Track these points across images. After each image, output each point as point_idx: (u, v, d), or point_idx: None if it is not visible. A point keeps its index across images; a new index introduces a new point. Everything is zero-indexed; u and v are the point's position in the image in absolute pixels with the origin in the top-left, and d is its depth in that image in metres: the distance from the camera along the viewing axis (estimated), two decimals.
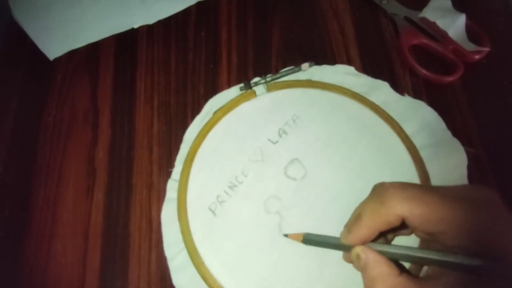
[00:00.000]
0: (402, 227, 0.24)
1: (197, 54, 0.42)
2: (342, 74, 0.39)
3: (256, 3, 0.44)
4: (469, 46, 0.39)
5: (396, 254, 0.24)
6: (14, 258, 0.34)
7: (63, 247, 0.34)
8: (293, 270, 0.31)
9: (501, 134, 0.36)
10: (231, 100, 0.38)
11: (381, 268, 0.23)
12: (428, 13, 0.40)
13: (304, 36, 0.42)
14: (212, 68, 0.41)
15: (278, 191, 0.34)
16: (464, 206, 0.22)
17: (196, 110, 0.38)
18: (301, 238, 0.29)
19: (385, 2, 0.42)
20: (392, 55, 0.40)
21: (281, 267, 0.31)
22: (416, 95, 0.38)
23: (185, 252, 0.32)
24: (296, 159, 0.35)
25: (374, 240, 0.25)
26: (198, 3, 0.44)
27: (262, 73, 0.39)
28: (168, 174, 0.36)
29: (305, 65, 0.39)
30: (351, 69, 0.39)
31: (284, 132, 0.36)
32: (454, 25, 0.39)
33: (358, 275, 0.25)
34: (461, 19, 0.39)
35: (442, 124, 0.36)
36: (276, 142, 0.36)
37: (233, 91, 0.38)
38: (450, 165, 0.34)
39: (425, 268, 0.28)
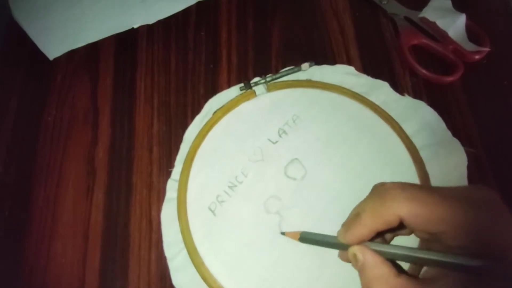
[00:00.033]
0: (400, 227, 0.24)
1: (197, 54, 0.42)
2: (342, 74, 0.39)
3: (256, 3, 0.44)
4: (469, 46, 0.39)
5: (394, 254, 0.24)
6: (14, 258, 0.34)
7: (63, 247, 0.34)
8: (293, 270, 0.31)
9: (501, 134, 0.36)
10: (231, 100, 0.38)
11: (380, 269, 0.23)
12: (428, 13, 0.40)
13: (304, 36, 0.42)
14: (212, 68, 0.41)
15: (278, 191, 0.34)
16: (464, 206, 0.22)
17: (196, 110, 0.38)
18: (298, 236, 0.29)
19: (385, 2, 0.42)
20: (392, 55, 0.40)
21: (281, 267, 0.31)
22: (416, 95, 0.38)
23: (185, 252, 0.32)
24: (296, 159, 0.35)
25: (372, 240, 0.25)
26: (198, 3, 0.44)
27: (262, 73, 0.39)
28: (168, 174, 0.36)
29: (305, 65, 0.39)
30: (351, 69, 0.39)
31: (284, 132, 0.36)
32: (454, 25, 0.39)
33: (358, 275, 0.25)
34: (461, 19, 0.39)
35: (442, 124, 0.36)
36: (276, 142, 0.36)
37: (233, 91, 0.38)
38: (450, 165, 0.34)
39: (425, 268, 0.28)
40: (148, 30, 0.43)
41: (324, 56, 0.40)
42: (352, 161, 0.34)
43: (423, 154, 0.34)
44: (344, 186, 0.33)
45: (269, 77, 0.38)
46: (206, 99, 0.38)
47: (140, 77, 0.41)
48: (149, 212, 0.35)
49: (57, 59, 0.42)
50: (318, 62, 0.39)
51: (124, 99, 0.40)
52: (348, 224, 0.25)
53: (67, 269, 0.33)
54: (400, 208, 0.22)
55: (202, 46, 0.42)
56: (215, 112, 0.37)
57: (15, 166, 0.38)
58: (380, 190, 0.24)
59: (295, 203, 0.33)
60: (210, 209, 0.33)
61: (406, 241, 0.28)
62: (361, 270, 0.24)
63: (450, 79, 0.38)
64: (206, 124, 0.37)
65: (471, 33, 0.40)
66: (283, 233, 0.31)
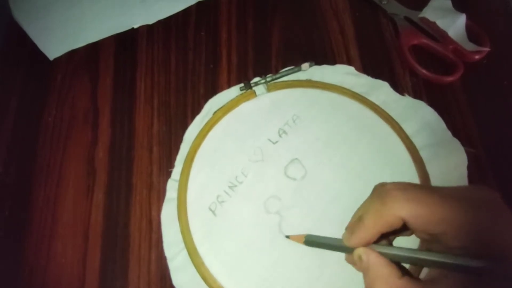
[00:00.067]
0: (403, 228, 0.24)
1: (197, 54, 0.42)
2: (342, 74, 0.39)
3: (256, 3, 0.44)
4: (469, 46, 0.39)
5: (398, 256, 0.24)
6: (14, 258, 0.34)
7: (63, 247, 0.34)
8: (293, 270, 0.31)
9: (501, 134, 0.36)
10: (231, 100, 0.38)
11: (383, 270, 0.23)
12: (428, 13, 0.40)
13: (304, 36, 0.42)
14: (212, 68, 0.41)
15: (278, 191, 0.34)
16: (464, 206, 0.22)
17: (196, 110, 0.38)
18: (303, 240, 0.29)
19: (385, 2, 0.42)
20: (392, 55, 0.40)
21: (281, 267, 0.31)
22: (416, 95, 0.38)
23: (185, 252, 0.32)
24: (296, 159, 0.35)
25: (376, 242, 0.25)
26: (198, 3, 0.44)
27: (262, 73, 0.39)
28: (168, 174, 0.36)
29: (305, 65, 0.39)
30: (351, 69, 0.39)
31: (284, 132, 0.36)
32: (454, 25, 0.39)
33: (358, 275, 0.25)
34: (461, 19, 0.39)
35: (442, 124, 0.36)
36: (276, 142, 0.36)
37: (233, 91, 0.38)
38: (450, 165, 0.34)
39: (425, 268, 0.28)
40: (148, 30, 0.43)
41: (324, 56, 0.40)
42: (352, 161, 0.34)
43: (423, 154, 0.34)
44: (344, 186, 0.33)
45: (269, 77, 0.38)
46: (206, 99, 0.38)
47: (140, 77, 0.41)
48: (149, 212, 0.35)
49: (57, 59, 0.42)
50: (318, 62, 0.39)
51: (124, 99, 0.40)
52: (352, 228, 0.25)
53: (67, 269, 0.33)
54: (401, 210, 0.22)
55: (202, 46, 0.42)
56: (215, 112, 0.37)
57: (15, 166, 0.38)
58: (380, 192, 0.24)
59: (295, 203, 0.33)
60: (210, 209, 0.33)
61: (406, 242, 0.28)
62: (365, 270, 0.24)
63: (450, 79, 0.38)
64: (206, 124, 0.37)
65: (471, 33, 0.40)
66: (287, 237, 0.31)
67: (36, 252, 0.34)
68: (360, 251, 0.24)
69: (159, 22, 0.43)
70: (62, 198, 0.36)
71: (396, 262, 0.24)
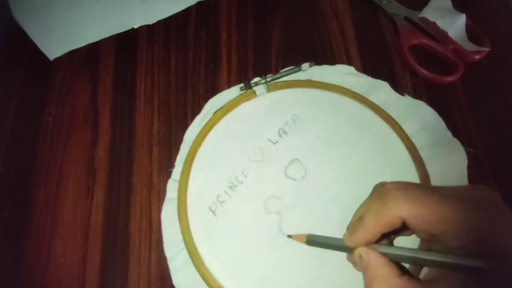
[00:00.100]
0: (403, 228, 0.24)
1: (197, 54, 0.42)
2: (342, 74, 0.39)
3: (256, 3, 0.44)
4: (469, 46, 0.39)
5: (398, 256, 0.24)
6: (14, 258, 0.34)
7: (63, 247, 0.34)
8: (293, 270, 0.31)
9: (501, 134, 0.36)
10: (231, 100, 0.38)
11: (382, 269, 0.23)
12: (428, 13, 0.40)
13: (304, 36, 0.42)
14: (212, 68, 0.41)
15: (278, 191, 0.34)
16: (464, 206, 0.22)
17: (196, 110, 0.38)
18: (305, 239, 0.29)
19: (385, 2, 0.42)
20: (392, 55, 0.40)
21: (281, 267, 0.31)
22: (416, 95, 0.38)
23: (185, 252, 0.32)
24: (296, 159, 0.35)
25: (377, 242, 0.25)
26: (198, 3, 0.44)
27: (262, 73, 0.39)
28: (168, 174, 0.36)
29: (305, 65, 0.39)
30: (351, 69, 0.39)
31: (284, 132, 0.36)
32: (454, 25, 0.39)
33: (358, 275, 0.25)
34: (461, 19, 0.39)
35: (442, 124, 0.36)
36: (276, 142, 0.36)
37: (233, 91, 0.38)
38: (450, 165, 0.34)
39: (425, 268, 0.28)
40: (148, 30, 0.43)
41: (324, 56, 0.40)
42: (352, 161, 0.34)
43: (423, 154, 0.34)
44: (344, 186, 0.33)
45: (269, 77, 0.38)
46: (206, 99, 0.38)
47: (140, 77, 0.41)
48: (149, 212, 0.35)
49: (57, 59, 0.42)
50: (318, 62, 0.39)
51: (124, 99, 0.40)
52: (352, 228, 0.25)
53: (67, 269, 0.33)
54: (401, 210, 0.22)
55: (202, 46, 0.42)
56: (215, 112, 0.37)
57: (15, 166, 0.38)
58: (380, 192, 0.24)
59: (295, 203, 0.33)
60: (210, 209, 0.33)
61: (406, 242, 0.28)
62: (364, 269, 0.24)
63: (450, 79, 0.38)
64: (206, 124, 0.37)
65: (471, 33, 0.40)
66: (289, 236, 0.31)
67: (36, 252, 0.34)
68: (360, 250, 0.24)
69: (159, 22, 0.43)
70: (62, 198, 0.36)
71: (396, 261, 0.24)
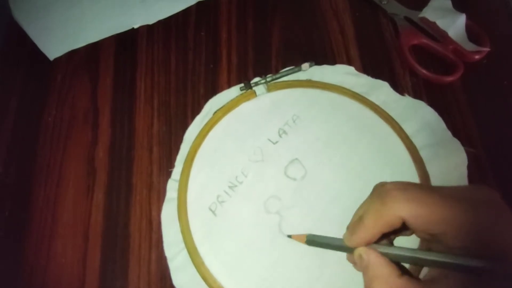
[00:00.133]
0: (404, 228, 0.24)
1: (197, 54, 0.42)
2: (342, 74, 0.39)
3: (256, 3, 0.44)
4: (469, 46, 0.39)
5: (398, 256, 0.24)
6: (14, 258, 0.34)
7: (63, 247, 0.34)
8: (293, 270, 0.31)
9: (501, 134, 0.36)
10: (231, 100, 0.38)
11: (382, 269, 0.23)
12: (428, 13, 0.40)
13: (304, 36, 0.42)
14: (212, 68, 0.41)
15: (278, 191, 0.34)
16: (465, 206, 0.22)
17: (196, 110, 0.38)
18: (305, 239, 0.29)
19: (385, 2, 0.42)
20: (392, 55, 0.40)
21: (281, 267, 0.31)
22: (416, 95, 0.38)
23: (185, 252, 0.32)
24: (296, 159, 0.35)
25: (377, 242, 0.25)
26: (198, 3, 0.44)
27: (262, 73, 0.39)
28: (168, 174, 0.36)
29: (305, 65, 0.39)
30: (351, 69, 0.39)
31: (284, 132, 0.36)
32: (454, 25, 0.39)
33: (358, 275, 0.25)
34: (461, 19, 0.39)
35: (442, 124, 0.36)
36: (276, 142, 0.36)
37: (233, 91, 0.38)
38: (450, 165, 0.34)
39: (425, 268, 0.28)
40: (148, 30, 0.43)
41: (324, 56, 0.40)
42: (352, 161, 0.34)
43: (423, 154, 0.34)
44: (344, 186, 0.33)
45: (269, 77, 0.38)
46: (206, 99, 0.38)
47: (140, 77, 0.41)
48: (149, 212, 0.35)
49: (57, 59, 0.42)
50: (318, 62, 0.39)
51: (124, 99, 0.40)
52: (352, 228, 0.25)
53: (67, 269, 0.33)
54: (401, 210, 0.22)
55: (202, 46, 0.42)
56: (215, 112, 0.37)
57: (15, 166, 0.38)
58: (380, 192, 0.24)
59: (295, 203, 0.33)
60: (210, 209, 0.33)
61: (406, 242, 0.28)
62: (364, 269, 0.24)
63: (450, 79, 0.38)
64: (206, 124, 0.37)
65: (471, 33, 0.40)
66: (289, 236, 0.31)
67: (36, 252, 0.34)
68: (360, 250, 0.24)
69: (159, 22, 0.43)
70: (62, 198, 0.36)
71: (396, 262, 0.24)
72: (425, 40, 0.39)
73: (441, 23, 0.40)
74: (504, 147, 0.36)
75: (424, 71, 0.38)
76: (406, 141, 0.35)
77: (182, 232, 0.33)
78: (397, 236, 0.28)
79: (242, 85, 0.38)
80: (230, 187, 0.34)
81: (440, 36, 0.40)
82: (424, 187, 0.29)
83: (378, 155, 0.34)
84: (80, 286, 0.33)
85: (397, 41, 0.40)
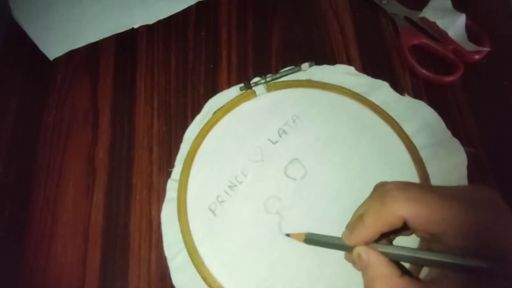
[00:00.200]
0: (404, 228, 0.24)
1: (197, 54, 0.42)
2: (342, 74, 0.39)
3: (256, 3, 0.44)
4: (469, 46, 0.39)
5: (398, 255, 0.24)
6: (14, 258, 0.34)
7: (63, 247, 0.34)
8: (293, 270, 0.31)
9: (501, 134, 0.36)
10: (231, 100, 0.38)
11: (382, 269, 0.23)
12: (428, 13, 0.40)
13: (304, 36, 0.42)
14: (212, 68, 0.41)
15: (278, 191, 0.34)
16: (465, 206, 0.22)
17: (196, 110, 0.38)
18: (303, 238, 0.29)
19: (385, 2, 0.42)
20: (392, 55, 0.40)
21: (281, 267, 0.31)
22: (416, 95, 0.38)
23: (185, 252, 0.32)
24: (296, 159, 0.35)
25: (377, 241, 0.25)
26: (198, 3, 0.44)
27: (262, 73, 0.39)
28: (168, 174, 0.36)
29: (305, 65, 0.39)
30: (351, 69, 0.39)
31: (284, 132, 0.36)
32: (454, 25, 0.39)
33: (358, 275, 0.25)
34: (461, 19, 0.39)
35: (442, 124, 0.36)
36: (276, 142, 0.36)
37: (233, 91, 0.38)
38: (450, 165, 0.34)
39: (424, 268, 0.28)
40: (148, 30, 0.43)
41: (324, 56, 0.40)
42: (352, 161, 0.34)
43: (423, 154, 0.34)
44: (344, 186, 0.33)
45: (269, 77, 0.38)
46: (206, 99, 0.38)
47: (140, 77, 0.41)
48: (149, 212, 0.35)
49: (57, 59, 0.42)
50: (318, 62, 0.39)
51: (124, 99, 0.40)
52: (352, 227, 0.25)
53: (67, 269, 0.33)
54: (401, 210, 0.22)
55: (202, 46, 0.42)
56: (215, 112, 0.37)
57: (15, 166, 0.38)
58: (381, 191, 0.24)
59: (295, 203, 0.33)
60: (210, 209, 0.33)
61: (406, 241, 0.28)
62: (364, 269, 0.24)
63: (450, 79, 0.38)
64: (206, 124, 0.37)
65: (471, 33, 0.40)
66: (287, 235, 0.31)
67: (36, 252, 0.34)
68: (359, 249, 0.24)
69: (159, 22, 0.43)
70: (62, 198, 0.36)
71: (396, 261, 0.24)
72: (425, 40, 0.39)
73: (441, 23, 0.40)
74: (504, 147, 0.36)
75: (424, 71, 0.38)
76: (406, 141, 0.35)
77: (182, 232, 0.33)
78: (397, 235, 0.28)
79: (242, 85, 0.38)
80: (230, 187, 0.34)
81: (440, 36, 0.40)
82: (424, 187, 0.29)
83: (378, 155, 0.34)
84: (80, 286, 0.33)
85: (397, 41, 0.40)
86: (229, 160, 0.35)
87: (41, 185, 0.37)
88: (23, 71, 0.42)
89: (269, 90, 0.38)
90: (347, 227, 0.26)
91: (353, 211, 0.27)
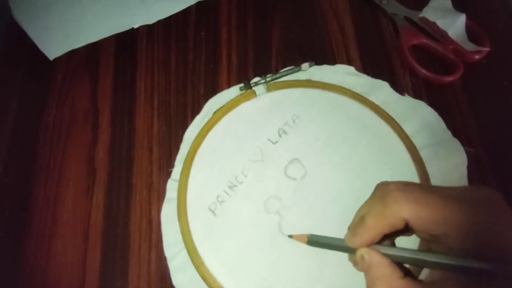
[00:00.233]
0: (406, 229, 0.24)
1: (197, 54, 0.42)
2: (342, 74, 0.39)
3: (256, 3, 0.44)
4: (469, 46, 0.39)
5: (401, 257, 0.24)
6: (14, 258, 0.34)
7: (63, 247, 0.34)
8: (293, 270, 0.31)
9: (501, 134, 0.36)
10: (231, 100, 0.38)
11: (384, 270, 0.23)
12: (428, 13, 0.40)
13: (304, 36, 0.42)
14: (212, 68, 0.41)
15: (278, 191, 0.34)
16: (465, 206, 0.22)
17: (196, 110, 0.38)
18: (306, 239, 0.29)
19: (385, 2, 0.42)
20: (392, 55, 0.40)
21: (281, 267, 0.31)
22: (416, 95, 0.38)
23: (185, 252, 0.32)
24: (296, 159, 0.35)
25: (380, 242, 0.25)
26: (198, 3, 0.44)
27: (262, 73, 0.39)
28: (168, 174, 0.36)
29: (305, 65, 0.39)
30: (351, 69, 0.39)
31: (284, 132, 0.36)
32: (454, 25, 0.39)
33: (358, 275, 0.25)
34: (461, 19, 0.39)
35: (442, 124, 0.36)
36: (276, 142, 0.36)
37: (233, 91, 0.38)
38: (450, 165, 0.34)
39: (425, 269, 0.28)
40: (148, 30, 0.43)
41: (324, 56, 0.40)
42: (352, 161, 0.34)
43: (423, 154, 0.34)
44: (344, 186, 0.33)
45: (269, 77, 0.38)
46: (206, 99, 0.38)
47: (140, 77, 0.41)
48: (149, 212, 0.35)
49: (57, 59, 0.42)
50: (318, 62, 0.39)
51: (124, 99, 0.40)
52: (354, 228, 0.25)
53: (67, 269, 0.33)
54: (403, 211, 0.22)
55: (202, 46, 0.42)
56: (215, 112, 0.37)
57: (15, 166, 0.38)
58: (382, 192, 0.24)
59: (295, 203, 0.33)
60: (210, 209, 0.33)
61: (406, 242, 0.28)
62: (366, 270, 0.24)
63: (450, 79, 0.38)
64: (206, 124, 0.37)
65: (471, 33, 0.40)
66: (290, 236, 0.31)
67: (36, 252, 0.34)
68: (363, 251, 0.24)
69: (159, 22, 0.43)
70: (62, 198, 0.36)
71: (398, 262, 0.24)
72: (425, 40, 0.39)
73: (441, 23, 0.40)
74: (504, 147, 0.36)
75: (424, 71, 0.38)
76: (406, 141, 0.35)
77: (182, 232, 0.33)
78: (399, 236, 0.28)
79: (242, 85, 0.38)
80: (230, 187, 0.34)
81: (440, 36, 0.39)
82: (424, 187, 0.29)
83: (378, 155, 0.34)
84: (80, 286, 0.33)
85: (397, 41, 0.40)
86: (229, 160, 0.35)
87: (41, 185, 0.37)
88: (23, 71, 0.42)
89: (269, 90, 0.38)
90: (349, 229, 0.26)
91: (353, 211, 0.27)
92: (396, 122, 0.36)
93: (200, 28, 0.43)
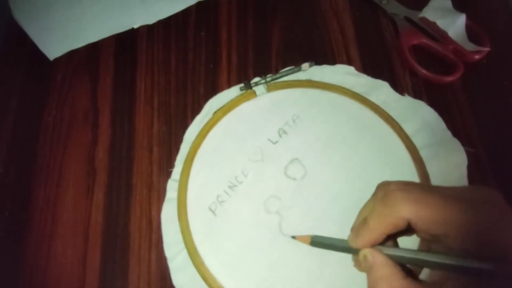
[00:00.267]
0: (409, 229, 0.24)
1: (197, 54, 0.42)
2: (342, 74, 0.39)
3: (256, 3, 0.44)
4: (469, 46, 0.39)
5: (404, 258, 0.24)
6: (14, 258, 0.34)
7: (63, 247, 0.34)
8: (293, 270, 0.31)
9: (501, 134, 0.36)
10: (231, 100, 0.38)
11: (386, 270, 0.23)
12: (428, 13, 0.40)
13: (304, 36, 0.42)
14: (212, 68, 0.41)
15: (278, 191, 0.34)
16: (465, 206, 0.22)
17: (196, 110, 0.38)
18: (309, 240, 0.29)
19: (385, 2, 0.42)
20: (392, 55, 0.40)
21: (281, 267, 0.31)
22: (416, 95, 0.38)
23: (185, 252, 0.32)
24: (296, 159, 0.35)
25: (383, 243, 0.25)
26: (198, 3, 0.44)
27: (262, 73, 0.39)
28: (168, 174, 0.36)
29: (305, 65, 0.39)
30: (351, 69, 0.39)
31: (284, 132, 0.36)
32: (454, 25, 0.39)
33: (358, 275, 0.25)
34: (461, 19, 0.39)
35: (442, 124, 0.36)
36: (276, 142, 0.36)
37: (233, 91, 0.38)
38: (450, 165, 0.34)
39: (425, 269, 0.28)
40: (148, 30, 0.43)
41: (324, 56, 0.40)
42: (352, 161, 0.34)
43: (423, 154, 0.34)
44: (344, 186, 0.33)
45: (269, 77, 0.38)
46: (206, 99, 0.38)
47: (140, 77, 0.41)
48: (149, 212, 0.35)
49: (57, 59, 0.42)
50: (318, 62, 0.39)
51: (124, 99, 0.40)
52: (357, 229, 0.25)
53: (67, 269, 0.33)
54: (405, 211, 0.22)
55: (202, 46, 0.42)
56: (215, 112, 0.37)
57: (15, 166, 0.38)
58: (384, 192, 0.24)
59: (295, 203, 0.33)
60: (210, 209, 0.33)
61: (406, 241, 0.28)
62: (368, 270, 0.24)
63: (450, 79, 0.38)
64: (206, 124, 0.37)
65: (471, 33, 0.40)
66: (293, 237, 0.31)
67: (36, 252, 0.34)
68: (366, 251, 0.24)
69: (159, 22, 0.43)
70: (62, 198, 0.36)
71: (402, 264, 0.24)
72: (425, 40, 0.39)
73: (441, 23, 0.40)
74: (504, 147, 0.36)
75: (424, 71, 0.38)
76: (406, 141, 0.35)
77: (182, 232, 0.33)
78: (400, 236, 0.28)
79: (242, 85, 0.38)
80: (230, 187, 0.34)
81: (440, 36, 0.40)
82: (425, 187, 0.29)
83: (378, 155, 0.34)
84: (80, 286, 0.33)
85: (397, 41, 0.40)
86: (229, 160, 0.35)
87: (41, 185, 0.37)
88: (23, 71, 0.42)
89: (269, 90, 0.38)
90: (352, 229, 0.26)
91: (353, 211, 0.27)
92: (396, 122, 0.36)
93: (200, 28, 0.43)
